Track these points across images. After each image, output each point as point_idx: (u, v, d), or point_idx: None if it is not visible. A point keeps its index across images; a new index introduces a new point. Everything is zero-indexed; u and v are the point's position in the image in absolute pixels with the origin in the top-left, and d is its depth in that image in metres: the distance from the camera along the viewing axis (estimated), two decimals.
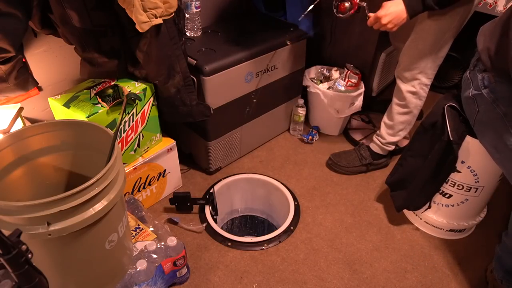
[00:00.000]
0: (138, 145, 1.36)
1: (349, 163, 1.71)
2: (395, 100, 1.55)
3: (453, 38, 1.37)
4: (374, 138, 1.68)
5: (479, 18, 1.35)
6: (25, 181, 1.00)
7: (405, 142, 1.85)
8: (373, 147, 1.69)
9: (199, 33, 1.59)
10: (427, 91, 1.48)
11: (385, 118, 1.62)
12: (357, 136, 1.92)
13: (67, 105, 1.18)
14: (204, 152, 1.61)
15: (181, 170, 1.60)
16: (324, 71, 1.97)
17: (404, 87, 1.48)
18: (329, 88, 1.86)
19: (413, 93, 1.47)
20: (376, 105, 2.03)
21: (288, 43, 1.56)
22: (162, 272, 1.16)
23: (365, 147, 1.71)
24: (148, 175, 1.43)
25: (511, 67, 0.94)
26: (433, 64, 1.41)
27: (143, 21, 1.09)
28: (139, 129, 1.33)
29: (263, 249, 1.38)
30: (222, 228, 1.51)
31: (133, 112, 1.27)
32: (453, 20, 1.30)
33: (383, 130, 1.63)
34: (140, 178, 1.40)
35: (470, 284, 1.29)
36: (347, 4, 1.31)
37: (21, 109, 1.23)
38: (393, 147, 1.67)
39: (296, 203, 1.56)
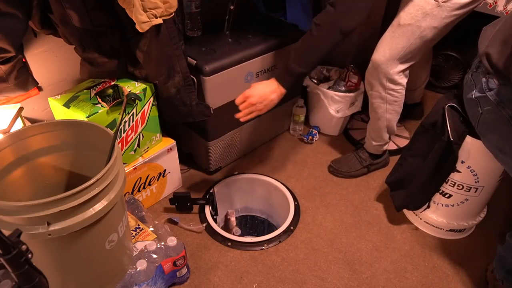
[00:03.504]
0: (138, 145, 1.36)
1: (350, 167, 1.70)
2: (369, 106, 1.54)
3: (424, 44, 1.32)
4: (366, 141, 1.68)
5: (479, 18, 1.35)
6: (25, 181, 1.00)
7: (405, 142, 1.85)
8: (368, 149, 1.69)
9: (199, 33, 1.59)
10: (399, 96, 1.44)
11: (368, 125, 1.63)
12: (357, 136, 1.92)
13: (67, 105, 1.18)
14: (204, 152, 1.61)
15: (181, 170, 1.60)
16: (324, 71, 1.97)
17: (369, 92, 1.47)
18: (329, 88, 1.86)
19: (378, 97, 1.45)
20: None
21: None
22: (162, 272, 1.16)
23: (362, 149, 1.71)
24: (148, 175, 1.43)
25: None
26: (397, 69, 1.36)
27: (143, 21, 1.09)
28: (139, 129, 1.33)
29: (263, 249, 1.38)
30: (222, 228, 1.51)
31: (133, 112, 1.27)
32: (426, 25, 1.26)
33: (368, 135, 1.64)
34: (140, 178, 1.40)
35: (470, 284, 1.29)
36: None
37: (21, 109, 1.23)
38: (386, 146, 1.67)
39: (296, 203, 1.56)
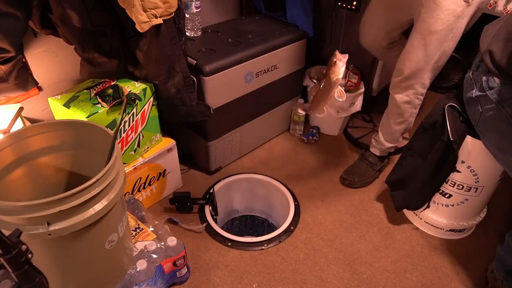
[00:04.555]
0: (138, 145, 1.36)
1: (363, 175, 1.66)
2: (390, 109, 1.51)
3: (455, 42, 1.31)
4: (374, 143, 1.66)
5: (479, 18, 1.34)
6: (25, 181, 1.00)
7: (405, 142, 1.85)
8: (375, 151, 1.67)
9: (199, 33, 1.59)
10: (422, 99, 1.44)
11: (382, 127, 1.60)
12: (357, 136, 1.92)
13: (67, 105, 1.18)
14: (204, 152, 1.61)
15: (181, 170, 1.60)
16: (324, 71, 1.97)
17: (398, 97, 1.44)
18: None
19: (408, 102, 1.43)
20: (377, 104, 2.03)
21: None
22: (162, 272, 1.16)
23: (369, 153, 1.68)
24: (148, 175, 1.43)
25: None
26: (431, 73, 1.37)
27: (143, 21, 1.09)
28: (139, 129, 1.33)
29: (263, 249, 1.38)
30: (222, 228, 1.51)
31: (133, 112, 1.27)
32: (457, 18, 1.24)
33: (382, 138, 1.61)
34: (140, 178, 1.40)
35: (470, 284, 1.29)
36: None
37: (21, 109, 1.23)
38: (394, 148, 1.66)
39: (296, 203, 1.56)
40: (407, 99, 1.43)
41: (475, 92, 1.11)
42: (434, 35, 1.27)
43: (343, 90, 1.19)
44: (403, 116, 1.48)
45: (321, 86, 1.21)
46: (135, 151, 1.36)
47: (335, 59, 1.13)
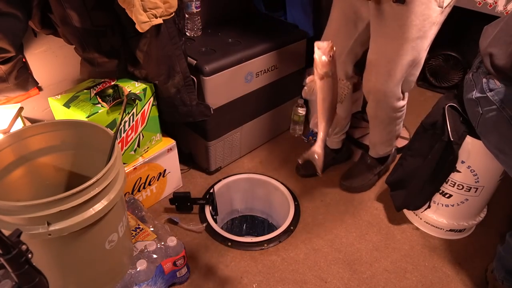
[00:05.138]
0: (138, 145, 1.36)
1: (362, 180, 1.60)
2: (372, 122, 1.45)
3: (427, 41, 1.18)
4: (373, 149, 1.59)
5: (479, 18, 1.34)
6: (25, 181, 1.00)
7: (405, 142, 1.85)
8: (375, 155, 1.61)
9: (199, 33, 1.59)
10: (405, 106, 1.36)
11: (371, 138, 1.55)
12: (357, 135, 1.92)
13: (67, 105, 1.18)
14: (204, 152, 1.61)
15: (181, 170, 1.60)
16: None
17: (377, 121, 1.39)
18: None
19: (391, 118, 1.37)
20: None
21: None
22: (162, 272, 1.16)
23: (367, 156, 1.62)
24: (148, 175, 1.43)
25: None
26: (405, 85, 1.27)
27: (143, 21, 1.09)
28: (139, 129, 1.33)
29: (263, 249, 1.38)
30: (222, 228, 1.51)
31: (133, 112, 1.27)
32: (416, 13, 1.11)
33: (375, 148, 1.56)
34: (140, 178, 1.40)
35: (470, 284, 1.29)
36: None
37: (21, 109, 1.23)
38: (393, 150, 1.64)
39: (296, 203, 1.56)
40: (387, 117, 1.37)
41: (475, 94, 1.11)
42: (410, 43, 1.16)
43: (346, 82, 0.93)
44: (390, 130, 1.44)
45: (317, 94, 0.91)
46: (135, 151, 1.36)
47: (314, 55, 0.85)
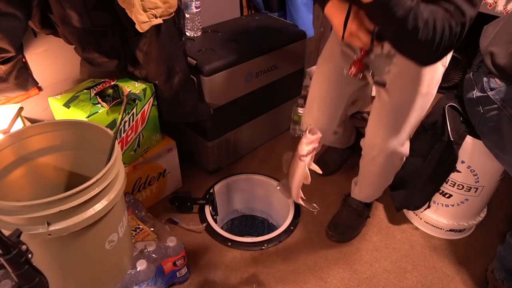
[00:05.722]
0: (138, 145, 1.36)
1: (351, 227, 1.41)
2: (365, 174, 1.33)
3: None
4: (360, 193, 1.42)
5: (479, 18, 1.34)
6: (25, 181, 1.00)
7: None
8: (363, 199, 1.43)
9: (199, 33, 1.59)
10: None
11: (361, 185, 1.39)
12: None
13: (67, 105, 1.18)
14: (204, 152, 1.61)
15: (181, 170, 1.60)
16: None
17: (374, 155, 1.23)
18: None
19: (396, 167, 1.27)
20: None
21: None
22: (162, 272, 1.16)
23: (353, 200, 1.44)
24: (148, 175, 1.43)
25: None
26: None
27: (143, 21, 1.09)
28: (139, 129, 1.33)
29: (263, 249, 1.38)
30: (222, 228, 1.51)
31: (133, 112, 1.27)
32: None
33: (366, 195, 1.41)
34: (140, 178, 1.40)
35: (470, 284, 1.29)
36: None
37: (21, 109, 1.23)
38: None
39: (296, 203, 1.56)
40: (393, 168, 1.27)
41: (475, 93, 1.11)
42: (422, 98, 1.12)
43: (308, 172, 0.95)
44: (390, 178, 1.32)
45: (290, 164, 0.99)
46: (135, 151, 1.36)
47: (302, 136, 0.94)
